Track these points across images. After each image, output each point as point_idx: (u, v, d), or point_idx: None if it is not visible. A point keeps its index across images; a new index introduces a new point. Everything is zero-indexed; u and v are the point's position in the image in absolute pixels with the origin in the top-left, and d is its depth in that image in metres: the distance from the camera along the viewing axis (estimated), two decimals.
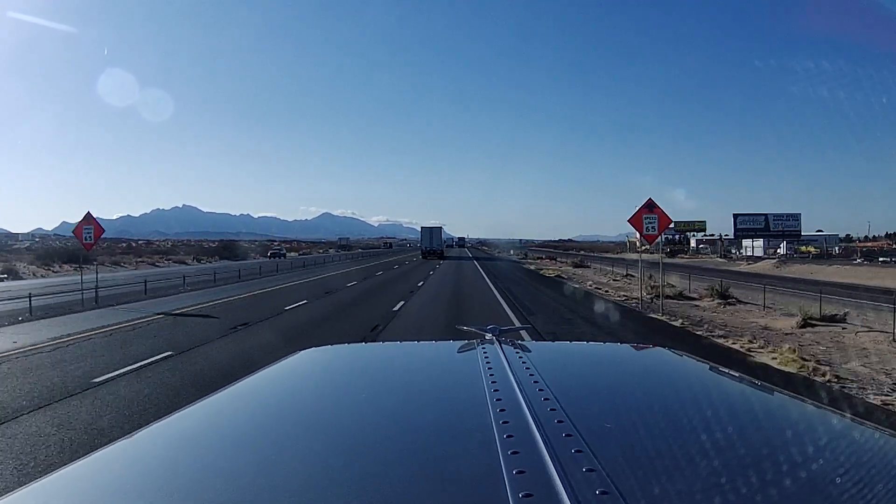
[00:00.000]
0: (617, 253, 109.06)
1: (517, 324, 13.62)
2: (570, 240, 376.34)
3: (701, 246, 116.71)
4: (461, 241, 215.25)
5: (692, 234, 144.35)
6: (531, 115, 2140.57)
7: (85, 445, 5.78)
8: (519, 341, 1.97)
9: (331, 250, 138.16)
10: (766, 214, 76.42)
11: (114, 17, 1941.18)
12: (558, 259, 66.32)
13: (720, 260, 73.75)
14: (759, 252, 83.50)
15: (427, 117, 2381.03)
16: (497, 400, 1.20)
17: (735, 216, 79.67)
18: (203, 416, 1.41)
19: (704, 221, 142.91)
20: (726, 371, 1.80)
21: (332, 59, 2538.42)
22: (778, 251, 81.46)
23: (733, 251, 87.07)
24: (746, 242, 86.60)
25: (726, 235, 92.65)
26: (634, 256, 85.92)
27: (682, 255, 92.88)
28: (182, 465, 1.12)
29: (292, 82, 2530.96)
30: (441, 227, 76.76)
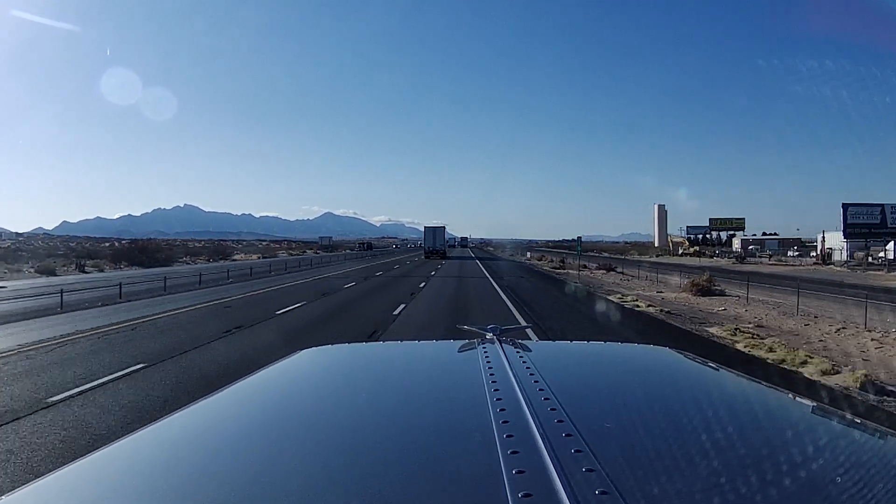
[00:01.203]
0: (656, 255, 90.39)
1: None
2: (573, 240, 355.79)
3: (750, 247, 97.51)
4: (464, 241, 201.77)
5: (729, 232, 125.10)
6: (531, 115, 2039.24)
7: None
8: (520, 340, 1.91)
9: (308, 251, 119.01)
10: (882, 205, 56.00)
11: (115, 16, 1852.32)
12: (617, 269, 43.97)
13: (837, 269, 53.12)
14: (835, 254, 64.34)
15: (427, 117, 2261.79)
16: (497, 399, 1.19)
17: (845, 207, 58.69)
18: (203, 416, 1.40)
19: (743, 219, 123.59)
20: (727, 370, 1.77)
21: (332, 59, 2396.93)
22: (881, 254, 62.14)
23: (825, 254, 66.66)
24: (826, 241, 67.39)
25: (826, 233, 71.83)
26: (680, 260, 66.74)
27: (752, 260, 72.38)
28: (182, 465, 1.10)
29: (292, 82, 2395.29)
30: (444, 227, 76.21)
